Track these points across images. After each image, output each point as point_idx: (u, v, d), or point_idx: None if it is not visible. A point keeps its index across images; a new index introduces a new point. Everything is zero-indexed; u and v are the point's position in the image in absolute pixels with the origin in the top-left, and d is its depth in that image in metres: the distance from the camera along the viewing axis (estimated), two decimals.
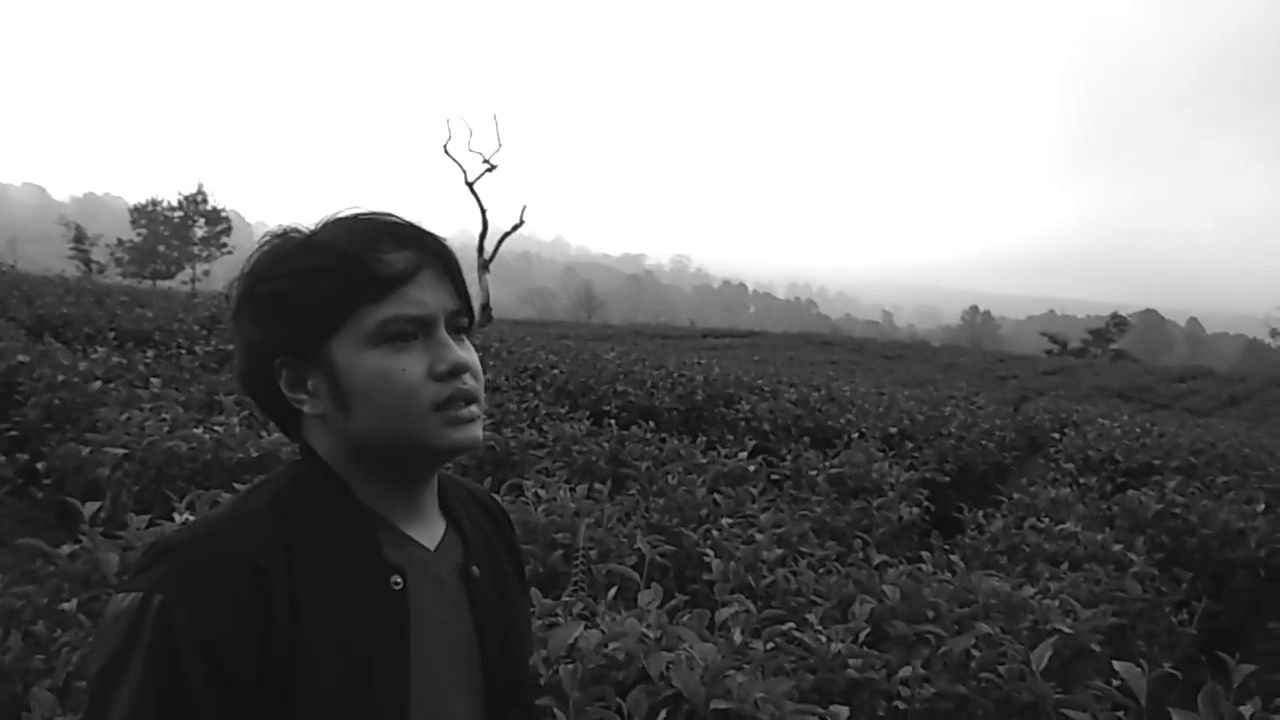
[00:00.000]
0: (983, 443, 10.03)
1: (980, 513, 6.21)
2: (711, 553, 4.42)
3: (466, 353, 1.08)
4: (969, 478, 9.25)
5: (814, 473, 7.13)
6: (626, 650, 2.91)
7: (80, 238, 42.90)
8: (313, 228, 1.08)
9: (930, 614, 3.62)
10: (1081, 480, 7.99)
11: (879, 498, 6.28)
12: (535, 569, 4.15)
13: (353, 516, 1.07)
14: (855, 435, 9.65)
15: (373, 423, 1.04)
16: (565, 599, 3.44)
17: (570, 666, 2.82)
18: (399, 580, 1.06)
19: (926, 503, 6.70)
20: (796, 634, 3.30)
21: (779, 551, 4.51)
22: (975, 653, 3.30)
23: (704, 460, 7.18)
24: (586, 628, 3.03)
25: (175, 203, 59.77)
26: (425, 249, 1.07)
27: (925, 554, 4.64)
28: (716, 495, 5.77)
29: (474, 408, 1.08)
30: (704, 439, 8.42)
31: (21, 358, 8.27)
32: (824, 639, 3.23)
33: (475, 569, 1.16)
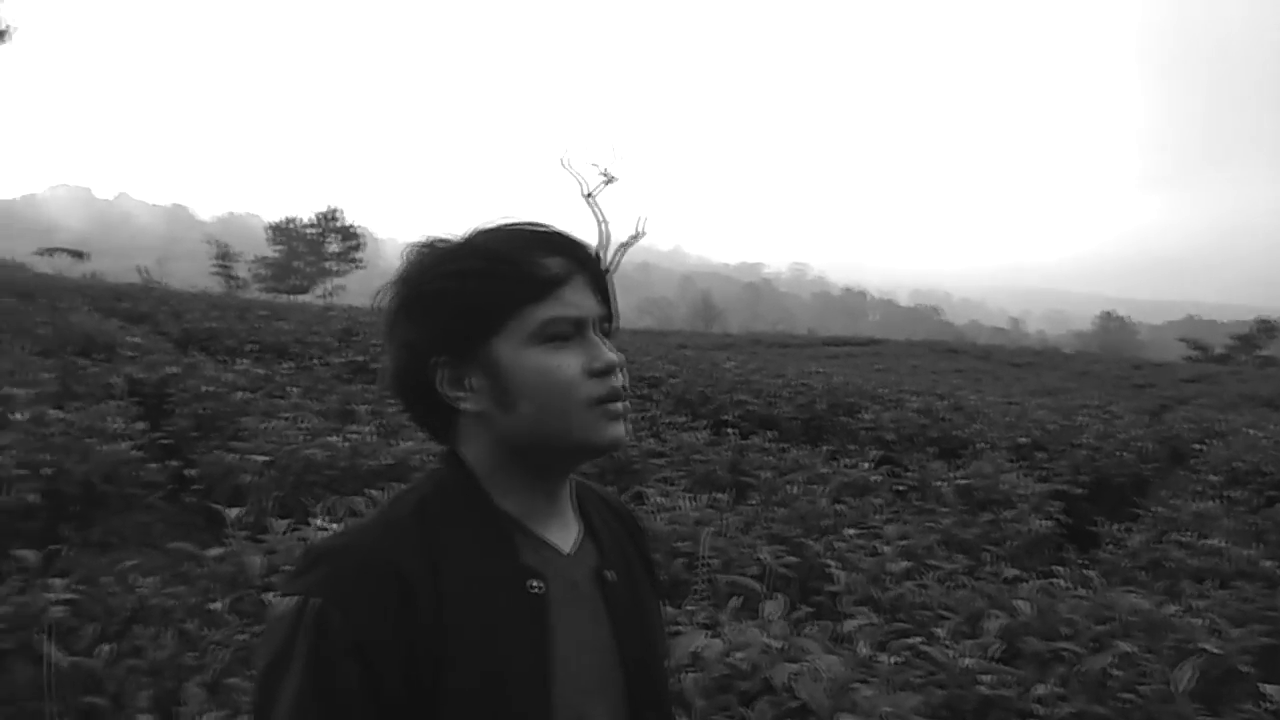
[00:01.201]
0: (1120, 454, 9.62)
1: (1118, 526, 5.97)
2: (835, 564, 4.38)
3: (615, 352, 1.12)
4: (1105, 490, 8.88)
5: (940, 484, 6.97)
6: (750, 660, 2.91)
7: (224, 255, 45.12)
8: (464, 237, 1.13)
9: (1066, 630, 3.50)
10: (1228, 493, 7.59)
11: (1009, 510, 6.10)
12: (660, 577, 4.18)
13: (491, 522, 1.11)
14: (983, 445, 9.40)
15: (533, 418, 1.08)
16: (688, 607, 3.46)
17: (694, 675, 2.83)
18: (537, 585, 1.09)
19: (1060, 516, 6.48)
20: (924, 648, 3.24)
21: (905, 564, 4.43)
22: (1114, 672, 3.18)
23: (826, 470, 7.10)
24: (709, 636, 3.04)
25: (310, 220, 62.36)
26: (576, 255, 1.11)
27: (1059, 569, 4.49)
28: (840, 506, 5.70)
29: (626, 404, 1.13)
30: (826, 449, 8.33)
31: (171, 370, 8.75)
32: (953, 654, 3.16)
33: (610, 573, 1.18)
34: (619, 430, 1.11)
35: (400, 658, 0.99)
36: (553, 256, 1.09)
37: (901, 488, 7.15)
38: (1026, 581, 4.06)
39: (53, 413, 6.14)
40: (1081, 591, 4.01)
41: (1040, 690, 3.02)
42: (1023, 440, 9.99)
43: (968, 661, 3.10)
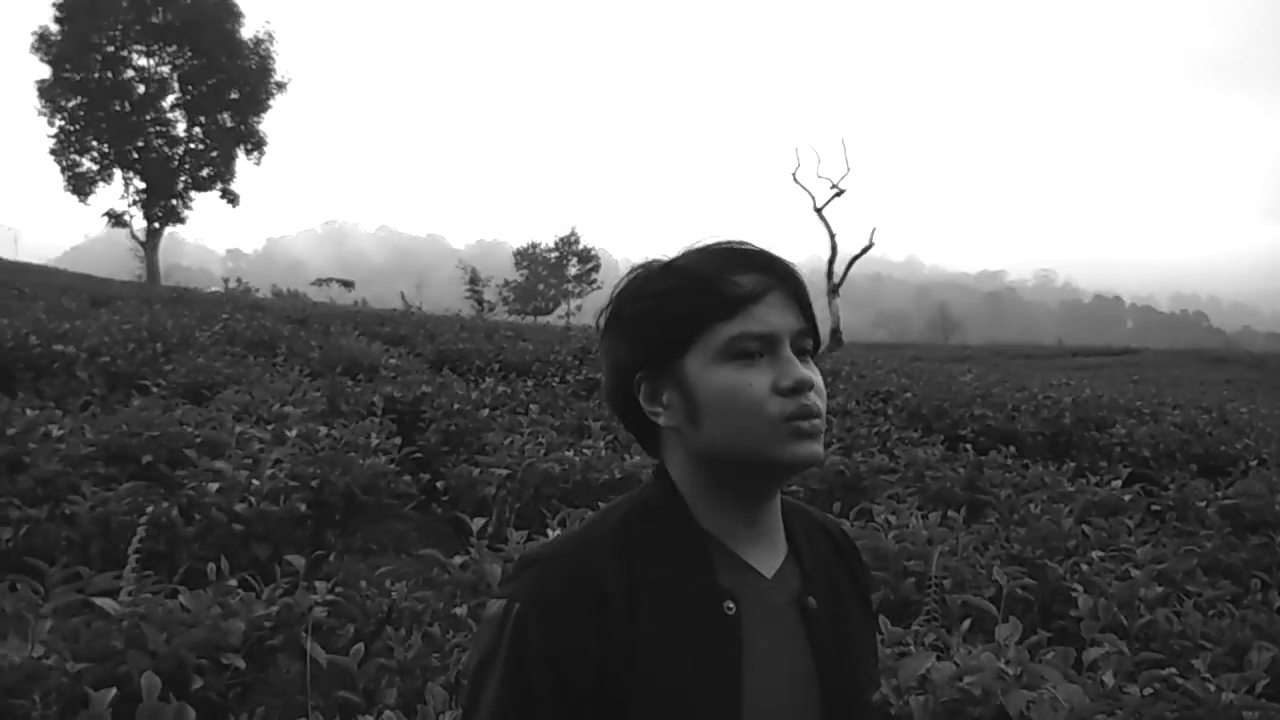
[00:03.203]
0: None
1: None
2: (1079, 588, 4.12)
3: (810, 371, 1.11)
4: None
5: (1203, 504, 6.42)
6: (983, 686, 2.79)
7: (474, 279, 47.80)
8: (671, 258, 1.16)
9: None
10: None
11: None
12: (886, 596, 4.08)
13: (691, 540, 1.12)
14: (1253, 462, 8.58)
15: (719, 434, 1.09)
16: (916, 628, 3.36)
17: (921, 698, 2.75)
18: (731, 606, 1.09)
19: None
20: (1179, 680, 2.99)
21: (1159, 589, 4.12)
22: None
23: (1071, 488, 6.70)
24: (939, 659, 2.94)
25: (551, 244, 65.18)
26: (773, 272, 1.12)
27: None
28: (1086, 526, 5.37)
29: (817, 422, 1.10)
30: (1071, 465, 7.86)
31: (425, 389, 9.37)
32: (1214, 688, 2.91)
33: (811, 600, 1.16)
34: (810, 449, 1.10)
35: (592, 668, 1.03)
36: (748, 274, 1.11)
37: (1157, 508, 6.65)
38: None
39: (321, 429, 6.73)
40: None
41: None
42: None
43: (1230, 697, 2.85)
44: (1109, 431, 10.03)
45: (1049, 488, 6.68)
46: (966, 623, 3.40)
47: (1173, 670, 3.06)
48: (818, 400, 1.11)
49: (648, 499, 1.17)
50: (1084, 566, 4.48)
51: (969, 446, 8.04)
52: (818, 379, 1.12)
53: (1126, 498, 6.42)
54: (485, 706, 1.04)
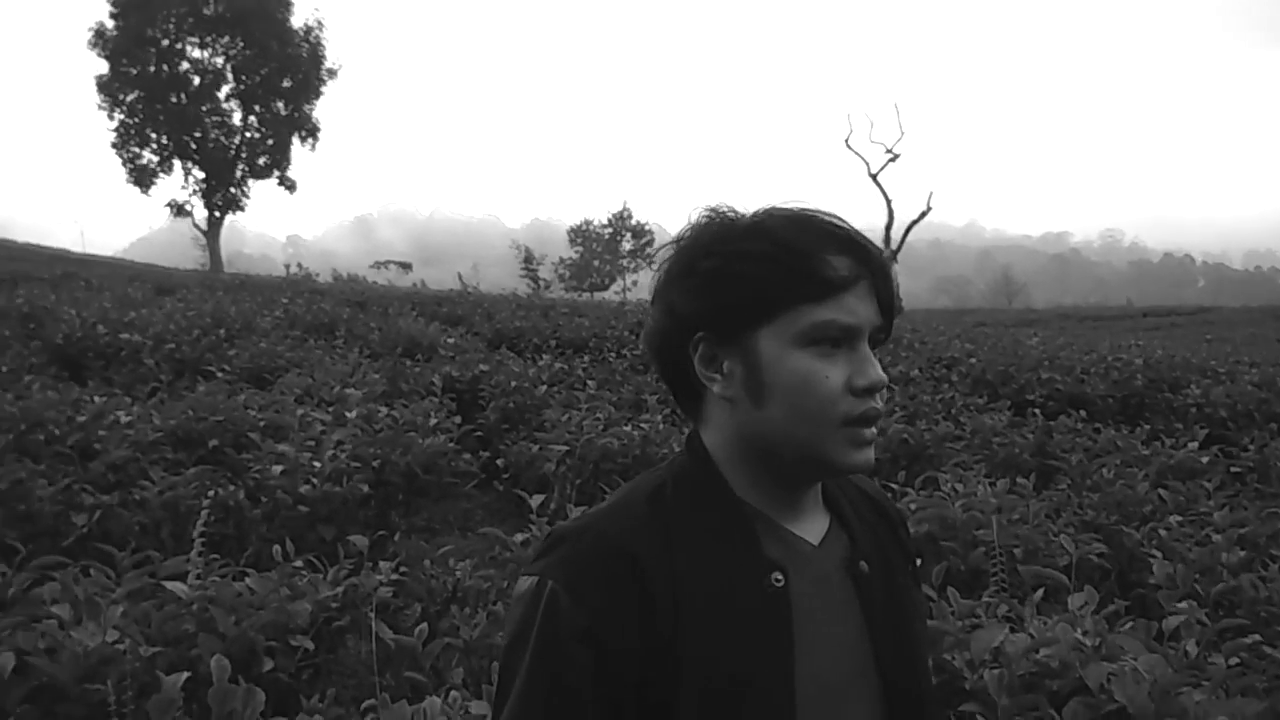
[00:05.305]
0: None
1: None
2: (1157, 554, 4.00)
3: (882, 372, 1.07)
4: None
5: None
6: (1060, 658, 2.71)
7: (529, 258, 48.03)
8: (756, 213, 1.08)
9: None
10: None
11: None
12: (955, 566, 3.99)
13: (730, 511, 1.07)
14: None
15: (781, 420, 1.04)
16: (986, 599, 3.27)
17: (996, 672, 2.68)
18: (779, 577, 1.04)
19: None
20: (1267, 649, 2.88)
21: (1242, 554, 3.97)
22: None
23: (1146, 452, 6.53)
24: (1012, 631, 2.86)
25: (605, 221, 65.28)
26: (865, 259, 1.05)
27: None
28: (1161, 491, 5.22)
29: (875, 430, 1.06)
30: (1145, 428, 7.64)
31: (483, 367, 9.42)
32: None
33: (863, 564, 1.11)
34: (864, 456, 1.05)
35: (629, 644, 0.98)
36: (843, 256, 1.03)
37: (1237, 470, 6.44)
38: None
39: (381, 410, 6.78)
40: None
41: None
42: None
43: None
44: (1183, 393, 9.73)
45: (1122, 452, 6.51)
46: (1039, 593, 3.31)
47: (1258, 637, 2.94)
48: (881, 403, 1.07)
49: (679, 469, 1.11)
50: (1161, 532, 4.35)
51: (1037, 412, 7.86)
52: (886, 378, 1.07)
53: (1204, 460, 6.22)
54: (518, 688, 0.99)
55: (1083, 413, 8.08)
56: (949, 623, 3.00)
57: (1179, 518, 4.56)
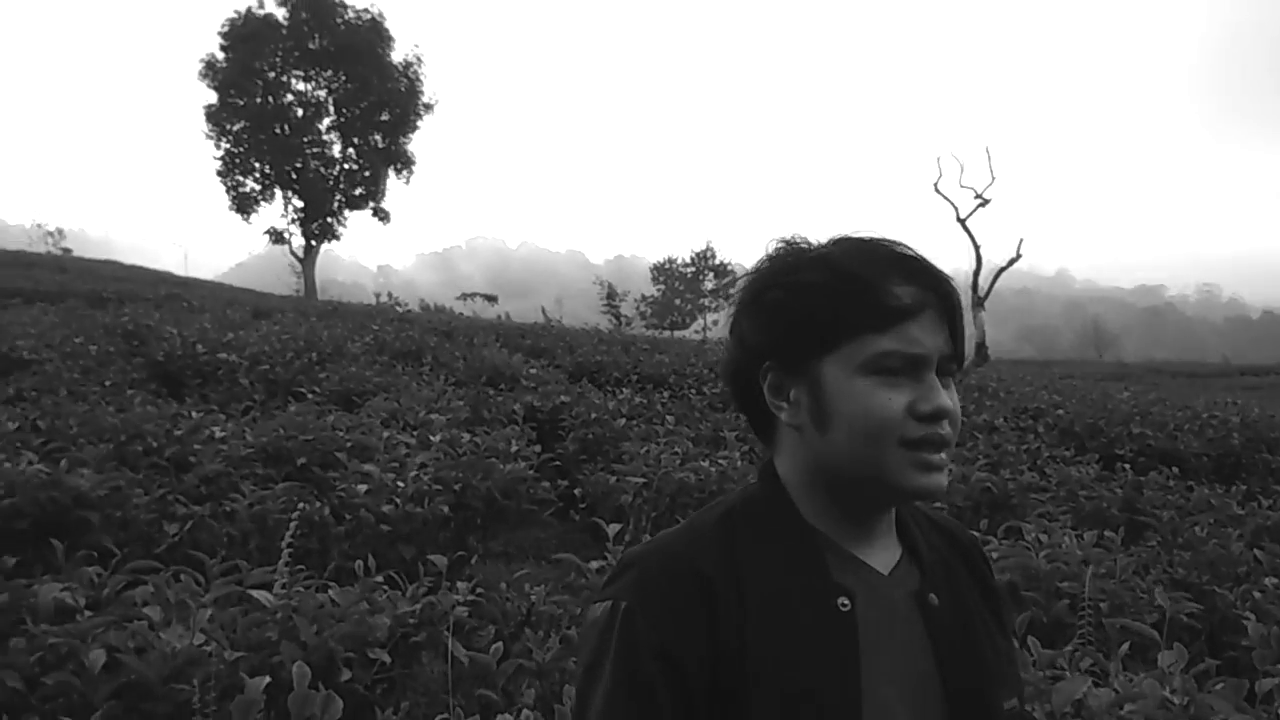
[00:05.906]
0: None
1: None
2: (1251, 616, 3.84)
3: (951, 398, 1.05)
4: None
5: None
6: (1146, 715, 2.64)
7: (611, 294, 48.38)
8: (824, 244, 1.10)
9: None
10: None
11: None
12: (1037, 617, 3.90)
13: (799, 536, 1.07)
14: None
15: (846, 446, 1.04)
16: (1070, 651, 3.19)
17: None
18: (846, 602, 1.04)
19: None
20: None
21: None
22: None
23: (1241, 512, 6.30)
24: (1095, 684, 2.79)
25: (688, 259, 65.48)
26: (933, 287, 1.05)
27: None
28: (1258, 552, 5.03)
29: (944, 455, 1.04)
30: (1241, 488, 7.38)
31: (563, 398, 9.52)
32: None
33: (933, 597, 1.10)
34: (931, 480, 1.03)
35: (704, 660, 0.99)
36: (907, 285, 1.04)
37: None
38: None
39: (464, 435, 6.90)
40: None
41: None
42: None
43: None
44: None
45: (1216, 510, 6.29)
46: (1125, 647, 3.21)
47: None
48: (950, 430, 1.05)
49: (749, 495, 1.12)
50: (1256, 594, 4.19)
51: (1127, 466, 7.64)
52: (956, 408, 1.05)
53: None
54: (598, 707, 1.01)
55: (1175, 469, 7.84)
56: (1030, 673, 2.94)
57: (1275, 580, 4.38)
